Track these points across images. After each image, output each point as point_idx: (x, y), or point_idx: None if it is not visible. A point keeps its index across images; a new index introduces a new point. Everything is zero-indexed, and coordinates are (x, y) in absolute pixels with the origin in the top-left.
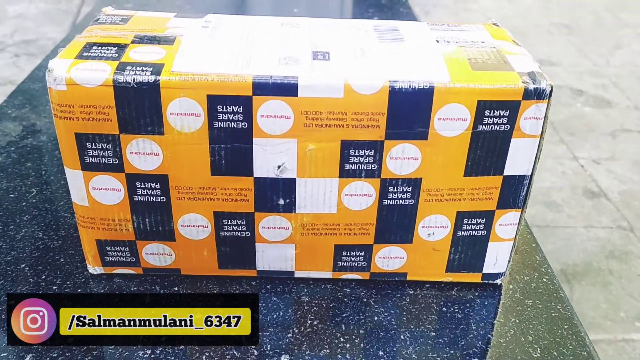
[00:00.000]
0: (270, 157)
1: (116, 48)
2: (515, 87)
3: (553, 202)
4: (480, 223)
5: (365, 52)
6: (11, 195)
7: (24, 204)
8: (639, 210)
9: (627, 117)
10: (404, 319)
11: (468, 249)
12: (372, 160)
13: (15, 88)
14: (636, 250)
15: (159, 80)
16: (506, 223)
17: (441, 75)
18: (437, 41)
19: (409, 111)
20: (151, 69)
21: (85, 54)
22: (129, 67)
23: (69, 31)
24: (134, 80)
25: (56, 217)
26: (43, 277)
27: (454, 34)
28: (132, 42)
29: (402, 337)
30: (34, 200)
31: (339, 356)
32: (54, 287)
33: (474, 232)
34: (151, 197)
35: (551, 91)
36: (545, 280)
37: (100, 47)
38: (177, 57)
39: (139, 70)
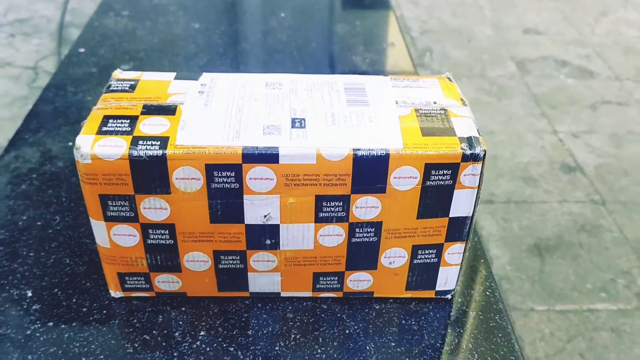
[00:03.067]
0: (258, 209)
1: (128, 121)
2: (455, 152)
3: (531, 177)
4: (432, 253)
5: (335, 118)
6: (38, 224)
7: (50, 231)
8: (612, 184)
9: (608, 88)
10: (370, 331)
11: (423, 273)
12: (341, 209)
13: (29, 111)
14: (606, 224)
15: (165, 153)
16: (453, 252)
17: (396, 142)
18: (397, 102)
19: (370, 172)
20: (159, 143)
21: (104, 128)
22: (140, 142)
23: (62, 9)
24: (145, 154)
25: (79, 243)
26: (74, 300)
27: (412, 93)
28: (141, 113)
29: (367, 347)
30: (58, 228)
31: None
32: (84, 309)
33: (427, 260)
34: (161, 240)
35: (484, 155)
36: (488, 293)
37: (115, 120)
38: (179, 131)
39: (149, 145)
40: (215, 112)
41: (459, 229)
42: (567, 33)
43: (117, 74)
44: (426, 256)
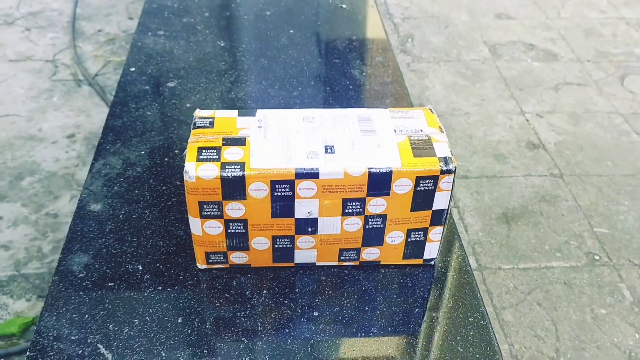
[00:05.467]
0: (304, 208)
1: (215, 151)
2: (435, 168)
3: (501, 154)
4: (420, 234)
5: (354, 145)
6: (134, 216)
7: (144, 222)
8: (569, 158)
9: (569, 70)
10: (379, 287)
11: (414, 247)
12: (360, 207)
13: (104, 125)
14: (563, 194)
15: (244, 174)
16: (435, 233)
17: (396, 162)
18: (395, 131)
19: (379, 183)
20: (239, 167)
21: (201, 157)
22: (227, 166)
23: (72, 2)
24: (231, 175)
25: (167, 230)
26: (172, 271)
27: (405, 122)
28: (222, 144)
29: (377, 299)
30: (149, 219)
31: (344, 311)
32: (180, 277)
33: (417, 238)
34: (237, 230)
35: (455, 169)
36: (459, 259)
37: (206, 151)
38: (251, 157)
39: (233, 168)
40: (272, 142)
41: (439, 217)
42: (536, 17)
43: (198, 112)
44: (417, 236)
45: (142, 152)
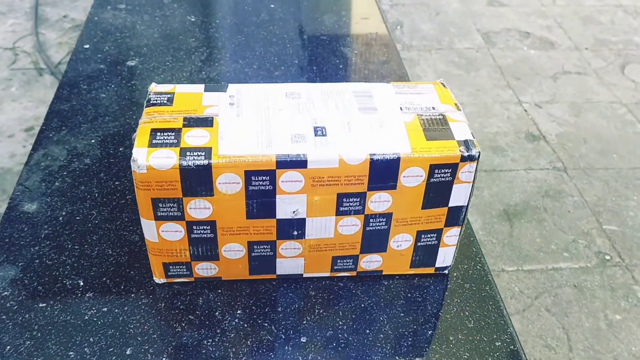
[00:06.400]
0: (288, 206)
1: (174, 133)
2: (455, 154)
3: (499, 147)
4: (433, 236)
5: (350, 125)
6: (77, 218)
7: (89, 225)
8: (572, 151)
9: (567, 58)
10: (382, 304)
11: (425, 253)
12: (359, 204)
13: (47, 110)
14: (567, 189)
15: (211, 163)
16: (451, 235)
17: (404, 147)
18: (401, 108)
19: (384, 173)
20: (204, 153)
21: (154, 140)
22: (188, 153)
23: None
24: (193, 163)
25: (118, 235)
26: (122, 287)
27: (413, 99)
28: (183, 125)
29: (380, 318)
30: (96, 222)
31: (339, 335)
32: (132, 295)
33: (429, 242)
34: (203, 235)
35: (479, 155)
36: (478, 267)
37: (162, 133)
38: (219, 141)
39: (195, 155)
40: (247, 123)
41: (456, 216)
42: (530, 4)
43: (154, 87)
44: (428, 239)
45: (92, 141)
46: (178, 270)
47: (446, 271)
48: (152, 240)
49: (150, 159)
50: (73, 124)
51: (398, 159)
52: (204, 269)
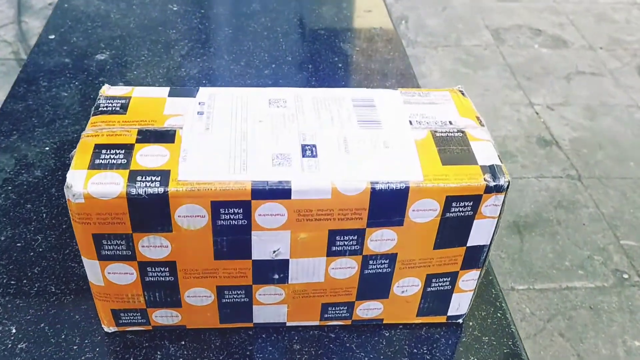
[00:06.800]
0: (267, 245)
1: (123, 151)
2: (478, 184)
3: (508, 151)
4: (446, 281)
5: (348, 144)
6: (18, 245)
7: (31, 254)
8: (587, 158)
9: (581, 58)
10: (381, 358)
11: (435, 299)
12: (355, 243)
13: None
14: (582, 200)
15: (167, 191)
16: (468, 279)
17: (415, 173)
18: (411, 122)
19: (388, 206)
20: (159, 178)
21: (97, 161)
22: (139, 178)
23: None
24: (145, 192)
25: (64, 267)
26: (63, 336)
27: (425, 110)
28: (137, 140)
29: None
30: (40, 250)
31: None
32: (75, 347)
33: (440, 287)
34: (161, 278)
35: (508, 185)
36: (499, 314)
37: (108, 151)
38: (180, 162)
39: (148, 182)
40: (218, 138)
41: (476, 258)
42: (541, 0)
43: (106, 90)
44: (440, 284)
45: (47, 148)
46: (131, 317)
47: (460, 320)
48: (96, 284)
49: (89, 185)
50: (26, 127)
51: (406, 189)
52: (164, 317)
